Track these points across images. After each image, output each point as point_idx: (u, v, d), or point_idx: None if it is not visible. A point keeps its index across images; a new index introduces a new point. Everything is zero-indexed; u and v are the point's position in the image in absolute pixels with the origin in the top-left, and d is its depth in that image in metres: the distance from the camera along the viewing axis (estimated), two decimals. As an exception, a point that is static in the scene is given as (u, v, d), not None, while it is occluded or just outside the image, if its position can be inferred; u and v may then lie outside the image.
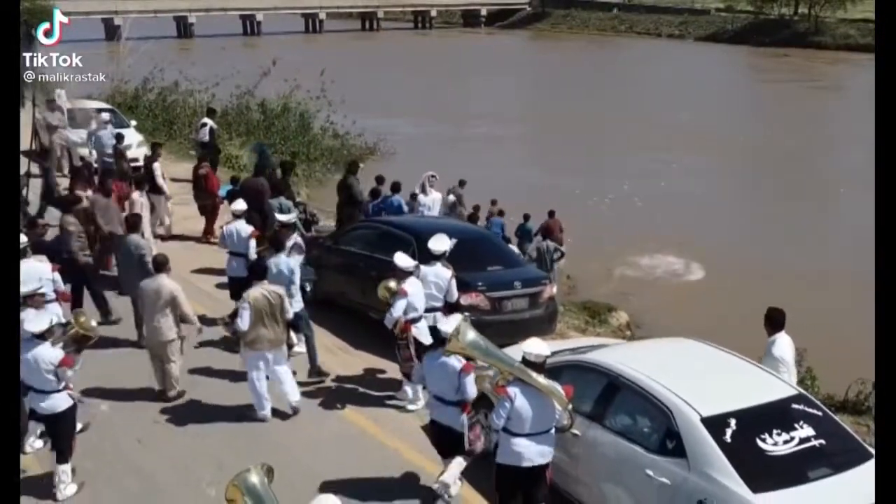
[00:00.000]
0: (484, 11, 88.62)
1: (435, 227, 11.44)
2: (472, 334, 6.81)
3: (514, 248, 13.50)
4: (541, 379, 6.43)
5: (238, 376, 9.03)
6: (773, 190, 24.10)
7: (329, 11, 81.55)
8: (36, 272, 8.87)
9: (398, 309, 8.58)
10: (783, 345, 7.51)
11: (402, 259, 8.81)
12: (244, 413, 8.65)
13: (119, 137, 15.88)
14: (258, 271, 8.76)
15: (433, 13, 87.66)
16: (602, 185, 23.25)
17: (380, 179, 14.17)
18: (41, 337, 7.04)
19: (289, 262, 9.34)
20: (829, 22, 68.24)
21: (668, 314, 14.00)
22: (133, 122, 19.38)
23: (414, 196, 14.14)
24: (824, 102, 40.74)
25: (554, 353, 7.23)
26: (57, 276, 9.27)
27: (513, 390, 6.43)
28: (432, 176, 14.45)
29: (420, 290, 8.83)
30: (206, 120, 18.22)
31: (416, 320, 8.76)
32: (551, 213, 17.49)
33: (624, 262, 17.22)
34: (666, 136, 30.45)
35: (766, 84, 46.84)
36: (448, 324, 6.99)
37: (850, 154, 26.82)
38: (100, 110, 18.08)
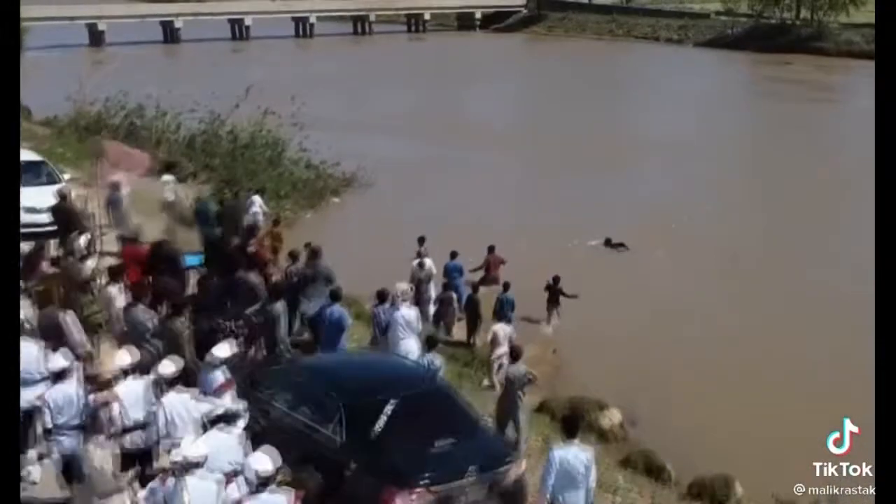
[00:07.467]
0: (479, 14, 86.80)
1: (366, 377, 8.92)
2: None
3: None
4: None
5: None
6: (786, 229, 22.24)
7: (320, 15, 79.77)
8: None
9: None
10: None
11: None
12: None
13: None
14: None
15: (427, 16, 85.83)
16: (598, 226, 20.56)
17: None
18: None
19: None
20: (833, 27, 66.22)
21: (670, 405, 12.29)
22: (66, 176, 16.29)
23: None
24: (835, 119, 38.93)
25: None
26: None
27: None
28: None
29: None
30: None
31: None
32: (491, 249, 15.90)
33: (623, 332, 14.94)
34: (665, 156, 29.10)
35: (771, 98, 44.72)
36: None
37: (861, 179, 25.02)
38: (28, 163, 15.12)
